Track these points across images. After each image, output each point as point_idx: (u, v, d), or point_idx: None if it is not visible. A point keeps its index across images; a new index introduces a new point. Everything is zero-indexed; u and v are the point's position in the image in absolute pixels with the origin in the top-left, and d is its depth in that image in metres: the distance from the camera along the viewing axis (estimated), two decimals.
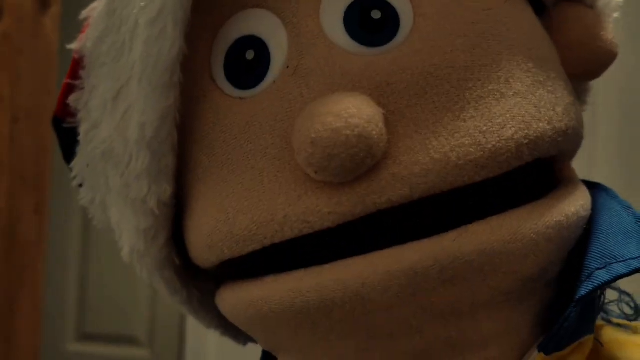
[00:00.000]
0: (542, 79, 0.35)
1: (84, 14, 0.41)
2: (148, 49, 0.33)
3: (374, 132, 0.30)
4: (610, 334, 0.39)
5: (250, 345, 0.45)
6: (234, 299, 0.36)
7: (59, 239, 2.01)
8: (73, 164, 0.41)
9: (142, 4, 0.34)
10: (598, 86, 0.43)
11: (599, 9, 0.39)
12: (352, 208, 0.31)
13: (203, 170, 0.36)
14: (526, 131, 0.33)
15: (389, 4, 0.34)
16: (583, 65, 0.39)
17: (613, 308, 0.41)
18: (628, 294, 0.42)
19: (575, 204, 0.35)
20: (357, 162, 0.30)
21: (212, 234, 0.35)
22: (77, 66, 0.40)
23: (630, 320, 0.41)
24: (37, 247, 1.39)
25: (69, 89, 0.40)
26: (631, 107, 1.25)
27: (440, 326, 0.33)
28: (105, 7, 0.38)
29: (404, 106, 0.32)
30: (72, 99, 0.40)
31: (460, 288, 0.32)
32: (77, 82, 0.40)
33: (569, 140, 0.36)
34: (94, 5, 0.40)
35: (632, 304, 0.41)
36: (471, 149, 0.32)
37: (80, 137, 0.40)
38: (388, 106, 0.32)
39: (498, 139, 0.32)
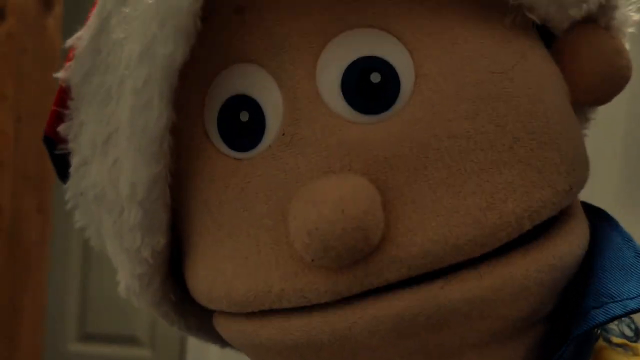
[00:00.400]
0: (546, 139, 0.33)
1: (68, 42, 0.38)
2: (134, 117, 0.32)
3: (372, 222, 0.29)
4: (610, 358, 0.38)
5: None
6: (227, 327, 0.36)
7: (61, 239, 2.01)
8: (67, 186, 0.40)
9: (126, 71, 0.32)
10: None
11: (615, 28, 0.37)
12: (348, 288, 0.31)
13: (202, 225, 0.35)
14: (528, 203, 0.32)
15: (389, 64, 0.32)
16: (595, 92, 0.37)
17: (613, 327, 0.40)
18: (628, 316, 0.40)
19: (571, 244, 0.34)
20: (354, 252, 0.30)
21: (211, 291, 0.35)
22: (64, 95, 0.38)
23: (631, 342, 0.40)
24: (40, 246, 1.39)
25: (58, 117, 0.39)
26: (632, 107, 1.25)
27: None
28: (90, 44, 0.36)
29: (403, 183, 0.31)
30: (62, 129, 0.38)
31: (447, 332, 0.32)
32: (65, 112, 0.38)
33: (572, 195, 0.34)
34: (79, 34, 0.38)
35: (632, 326, 0.40)
36: (470, 229, 0.31)
37: (72, 169, 0.39)
38: (386, 182, 0.31)
39: (499, 215, 0.31)
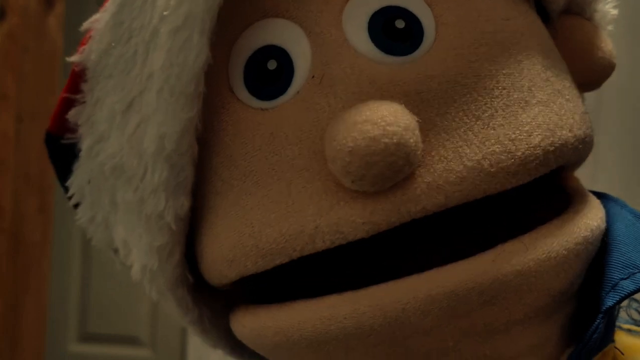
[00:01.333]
0: (559, 88, 0.35)
1: (85, 25, 0.39)
2: (172, 59, 0.32)
3: (412, 140, 0.30)
4: (624, 340, 0.39)
5: None
6: (256, 324, 0.35)
7: (62, 239, 2.01)
8: (70, 182, 0.39)
9: (165, 12, 0.33)
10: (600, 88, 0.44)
11: (596, 20, 0.40)
12: (386, 217, 0.31)
13: (223, 183, 0.35)
14: (552, 138, 0.33)
15: (412, 13, 0.34)
16: (585, 75, 0.39)
17: (622, 314, 0.41)
18: (637, 300, 0.42)
19: (596, 218, 0.35)
20: (396, 170, 0.30)
21: (234, 248, 0.34)
22: (77, 79, 0.38)
23: (639, 326, 0.41)
24: (42, 246, 1.39)
25: (67, 104, 0.38)
26: (633, 108, 1.25)
27: (476, 344, 0.33)
28: (111, 19, 0.37)
29: (435, 115, 0.32)
30: (72, 114, 0.38)
31: (498, 308, 0.32)
32: (77, 96, 0.38)
33: (587, 147, 0.36)
34: (95, 17, 0.38)
35: None
36: (502, 157, 0.32)
37: (82, 153, 0.38)
38: (419, 115, 0.32)
39: (527, 146, 0.32)
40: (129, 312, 2.05)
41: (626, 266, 0.35)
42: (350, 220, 0.31)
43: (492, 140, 0.32)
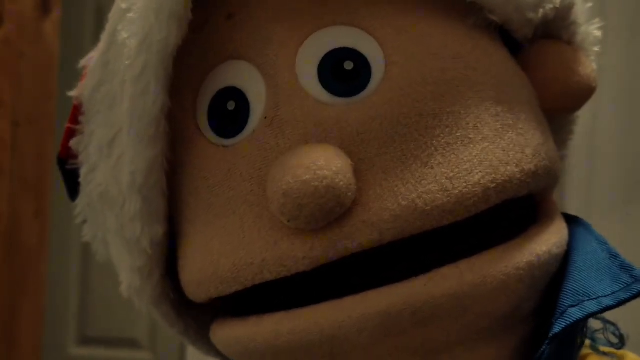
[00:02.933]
0: (511, 122, 0.36)
1: (82, 62, 0.43)
2: (134, 104, 0.35)
3: (342, 183, 0.32)
4: None
5: None
6: (222, 334, 0.38)
7: (60, 243, 2.01)
8: (77, 201, 0.43)
9: (127, 62, 0.35)
10: (600, 86, 0.43)
11: (577, 44, 0.40)
12: (324, 252, 0.33)
13: (190, 212, 0.38)
14: (493, 175, 0.34)
15: (361, 54, 0.36)
16: (561, 100, 0.39)
17: (600, 336, 0.42)
18: (612, 324, 0.43)
19: (547, 243, 0.36)
20: (326, 212, 0.32)
21: (199, 273, 0.37)
22: (76, 112, 0.42)
23: (617, 349, 0.42)
24: (39, 251, 1.39)
25: (71, 133, 0.42)
26: (631, 108, 1.25)
27: None
28: (100, 59, 0.40)
29: (374, 155, 0.34)
30: (73, 143, 0.42)
31: (434, 328, 0.33)
32: (77, 127, 0.42)
33: (539, 180, 0.36)
34: (91, 55, 0.42)
35: (617, 333, 0.42)
36: (438, 195, 0.33)
37: (81, 179, 0.42)
38: (359, 155, 0.34)
39: (465, 184, 0.33)
40: (128, 314, 2.05)
41: (576, 293, 0.35)
42: (292, 255, 0.33)
43: (429, 179, 0.33)
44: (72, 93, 0.43)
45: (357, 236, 0.33)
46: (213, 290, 0.36)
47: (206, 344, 0.44)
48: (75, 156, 0.42)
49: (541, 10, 0.38)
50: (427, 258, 0.34)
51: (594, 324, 0.41)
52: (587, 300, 0.35)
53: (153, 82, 0.35)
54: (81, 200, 0.43)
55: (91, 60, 0.42)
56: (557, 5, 0.38)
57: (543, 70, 0.39)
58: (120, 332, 2.06)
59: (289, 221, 0.32)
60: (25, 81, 1.37)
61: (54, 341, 2.01)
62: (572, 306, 0.35)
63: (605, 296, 0.35)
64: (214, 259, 0.36)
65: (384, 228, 0.33)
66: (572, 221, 0.40)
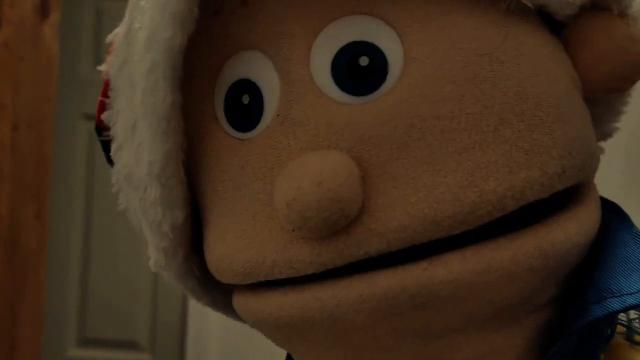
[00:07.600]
0: (537, 121, 0.33)
1: (108, 38, 0.42)
2: (145, 97, 0.35)
3: (347, 195, 0.31)
4: (624, 355, 0.37)
5: (251, 348, 0.47)
6: (238, 306, 0.39)
7: (60, 245, 2.01)
8: (112, 171, 0.43)
9: (137, 57, 0.35)
10: None
11: (631, 16, 0.35)
12: (331, 259, 0.32)
13: (209, 201, 0.38)
14: (510, 182, 0.32)
15: (378, 49, 0.34)
16: (609, 82, 0.36)
17: (638, 325, 0.38)
18: None
19: (568, 231, 0.33)
20: (330, 224, 0.31)
21: (218, 264, 0.37)
22: (106, 86, 0.42)
23: None
24: (38, 253, 1.40)
25: (103, 106, 0.42)
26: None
27: (418, 345, 0.34)
28: (123, 38, 0.39)
29: (385, 160, 0.32)
30: (104, 117, 0.42)
31: (431, 313, 0.32)
32: (107, 101, 0.42)
33: (567, 180, 0.33)
34: (117, 30, 0.42)
35: None
36: (448, 205, 0.31)
37: (112, 154, 0.42)
38: (369, 159, 0.32)
39: (479, 193, 0.31)
40: (128, 316, 2.05)
41: (600, 289, 0.34)
42: (300, 259, 0.33)
43: (441, 189, 0.31)
44: (101, 67, 0.43)
45: (363, 245, 0.32)
46: (230, 280, 0.37)
47: (232, 313, 0.44)
48: (108, 128, 0.42)
49: None
50: (435, 242, 0.32)
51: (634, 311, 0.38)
52: (610, 297, 0.33)
53: (161, 80, 0.34)
54: (115, 172, 0.42)
55: (117, 36, 0.41)
56: None
57: (588, 48, 0.35)
58: (119, 333, 2.06)
59: (294, 230, 0.32)
60: (25, 85, 1.37)
61: (53, 343, 2.01)
62: (594, 303, 0.33)
63: (630, 294, 0.33)
64: (229, 253, 0.36)
65: (392, 238, 0.32)
66: (609, 208, 0.38)
